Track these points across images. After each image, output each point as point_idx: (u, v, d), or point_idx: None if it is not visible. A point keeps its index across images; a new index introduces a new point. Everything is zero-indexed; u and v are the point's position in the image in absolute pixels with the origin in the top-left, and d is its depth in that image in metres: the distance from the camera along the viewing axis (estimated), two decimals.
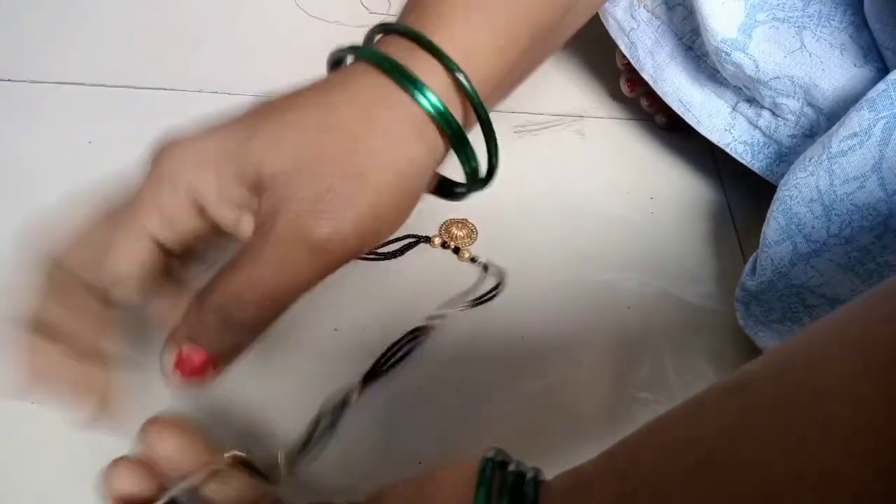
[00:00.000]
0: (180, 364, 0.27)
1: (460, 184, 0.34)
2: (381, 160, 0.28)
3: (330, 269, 0.28)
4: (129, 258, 0.29)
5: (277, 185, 0.27)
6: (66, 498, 0.38)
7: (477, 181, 0.32)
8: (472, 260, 0.48)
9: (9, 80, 0.56)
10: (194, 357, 0.27)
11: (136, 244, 0.29)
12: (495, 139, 0.31)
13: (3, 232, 0.47)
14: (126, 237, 0.29)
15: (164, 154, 0.28)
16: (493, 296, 0.46)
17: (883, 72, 0.42)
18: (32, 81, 0.56)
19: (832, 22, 0.43)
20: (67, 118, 0.53)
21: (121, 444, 0.39)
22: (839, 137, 0.37)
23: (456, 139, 0.30)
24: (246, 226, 0.29)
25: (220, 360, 0.28)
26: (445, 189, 0.35)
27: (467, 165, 0.31)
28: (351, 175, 0.27)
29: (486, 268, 0.48)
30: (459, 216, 0.50)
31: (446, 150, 0.31)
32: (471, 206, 0.53)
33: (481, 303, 0.45)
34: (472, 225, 0.50)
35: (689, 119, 0.49)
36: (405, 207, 0.29)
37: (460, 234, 0.49)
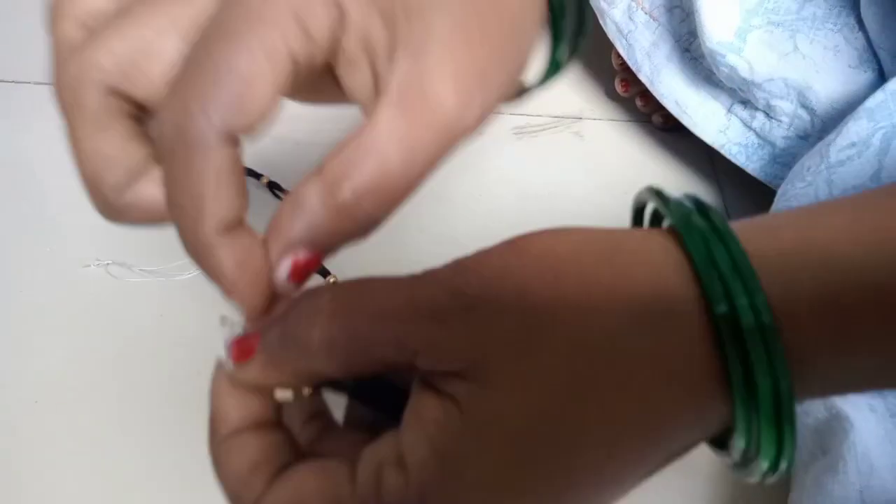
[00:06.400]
0: (296, 272, 0.20)
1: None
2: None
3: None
4: (264, 86, 0.19)
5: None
6: (68, 497, 0.38)
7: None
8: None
9: (13, 81, 0.56)
10: (303, 259, 0.21)
11: (266, 63, 0.19)
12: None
13: (4, 230, 0.48)
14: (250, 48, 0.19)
15: None
16: None
17: (878, 73, 0.43)
18: (36, 83, 0.56)
19: (826, 24, 0.43)
20: None
21: (119, 446, 0.40)
22: (837, 147, 0.37)
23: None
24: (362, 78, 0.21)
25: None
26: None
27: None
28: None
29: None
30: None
31: None
32: (469, 206, 0.53)
33: None
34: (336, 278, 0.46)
35: (685, 121, 0.50)
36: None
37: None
